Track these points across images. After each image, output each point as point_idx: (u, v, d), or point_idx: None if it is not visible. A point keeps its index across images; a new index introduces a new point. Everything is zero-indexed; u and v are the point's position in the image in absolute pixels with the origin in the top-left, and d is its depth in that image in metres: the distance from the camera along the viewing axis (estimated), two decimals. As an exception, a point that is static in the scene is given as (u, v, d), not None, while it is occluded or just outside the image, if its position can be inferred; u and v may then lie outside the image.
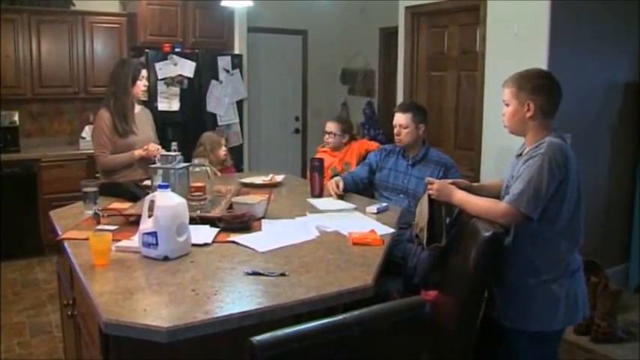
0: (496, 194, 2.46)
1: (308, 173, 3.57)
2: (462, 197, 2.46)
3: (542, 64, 3.85)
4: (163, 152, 3.07)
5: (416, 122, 3.49)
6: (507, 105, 2.36)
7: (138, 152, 3.57)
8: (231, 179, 3.82)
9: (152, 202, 2.23)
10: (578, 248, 2.31)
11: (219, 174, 3.94)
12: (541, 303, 2.24)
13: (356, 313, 1.42)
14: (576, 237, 2.29)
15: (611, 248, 4.60)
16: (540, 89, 2.29)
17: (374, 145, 4.30)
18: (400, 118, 3.51)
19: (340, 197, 3.38)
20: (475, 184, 2.73)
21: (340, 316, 1.41)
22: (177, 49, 5.86)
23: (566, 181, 2.19)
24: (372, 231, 2.59)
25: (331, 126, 4.33)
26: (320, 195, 3.42)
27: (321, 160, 3.54)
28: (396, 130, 3.54)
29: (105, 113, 3.58)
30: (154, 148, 3.55)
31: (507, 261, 2.27)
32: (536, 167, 2.18)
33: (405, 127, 3.49)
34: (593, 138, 4.33)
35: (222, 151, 4.40)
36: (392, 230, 2.70)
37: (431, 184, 2.57)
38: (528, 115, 2.29)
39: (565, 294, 2.25)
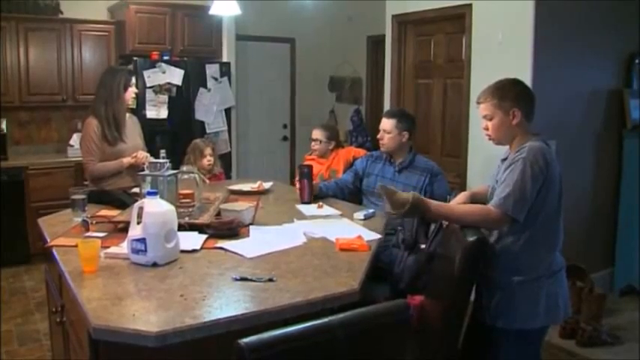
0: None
1: (297, 180, 3.58)
2: (441, 205, 2.44)
3: (527, 71, 3.91)
4: (152, 160, 3.08)
5: (399, 129, 3.52)
6: (490, 119, 2.40)
7: (127, 160, 3.57)
8: (220, 186, 3.84)
9: (141, 208, 2.24)
10: (559, 249, 2.36)
11: (207, 181, 3.96)
12: (522, 301, 2.29)
13: (341, 315, 1.44)
14: (556, 238, 2.35)
15: (596, 253, 4.65)
16: (522, 96, 2.37)
17: (361, 152, 4.33)
18: (385, 124, 3.56)
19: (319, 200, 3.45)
20: (466, 192, 2.73)
21: (326, 319, 1.43)
22: (165, 57, 5.87)
23: (547, 181, 2.24)
24: (359, 237, 2.61)
25: (317, 133, 4.36)
26: (309, 201, 3.45)
27: (310, 167, 3.56)
28: (379, 135, 3.59)
29: (93, 121, 3.58)
30: (143, 155, 3.56)
31: (491, 262, 2.31)
32: (519, 171, 2.23)
33: (388, 133, 3.53)
34: (578, 144, 4.38)
35: (206, 161, 4.29)
36: (378, 236, 2.73)
37: None
38: (515, 122, 2.35)
39: (545, 293, 2.29)
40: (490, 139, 2.46)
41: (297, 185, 3.55)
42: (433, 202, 2.40)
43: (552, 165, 2.27)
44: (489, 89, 2.42)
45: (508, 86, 2.39)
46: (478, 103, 2.45)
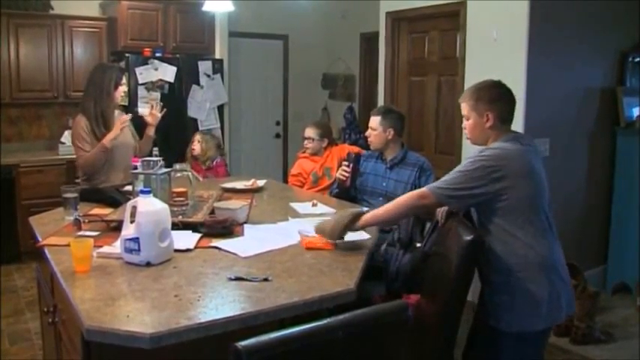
0: None
1: (345, 165, 3.58)
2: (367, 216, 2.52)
3: (521, 69, 3.91)
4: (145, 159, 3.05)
5: (384, 126, 3.52)
6: (468, 119, 2.43)
7: (107, 139, 3.48)
8: (213, 184, 3.82)
9: (134, 207, 2.21)
10: (549, 243, 2.31)
11: (200, 179, 3.93)
12: (523, 302, 2.26)
13: (340, 317, 1.43)
14: (540, 232, 2.29)
15: (589, 251, 4.66)
16: (497, 99, 2.38)
17: (355, 149, 4.32)
18: (371, 121, 3.59)
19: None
20: None
21: (324, 321, 1.42)
22: (157, 54, 5.83)
23: (506, 178, 2.22)
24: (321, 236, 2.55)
25: (309, 131, 4.35)
26: (350, 186, 3.54)
27: (359, 154, 3.73)
28: (367, 133, 3.61)
29: (82, 119, 3.53)
30: (123, 120, 3.55)
31: (486, 261, 2.30)
32: (465, 163, 2.31)
33: (374, 130, 3.55)
34: (571, 142, 4.38)
35: (194, 145, 4.75)
36: (369, 236, 2.69)
37: None
38: (488, 125, 2.37)
39: (547, 294, 2.26)
40: (468, 139, 2.49)
41: (346, 170, 3.54)
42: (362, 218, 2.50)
43: (517, 160, 2.26)
44: (469, 90, 2.45)
45: (486, 89, 2.41)
46: (460, 102, 2.46)
